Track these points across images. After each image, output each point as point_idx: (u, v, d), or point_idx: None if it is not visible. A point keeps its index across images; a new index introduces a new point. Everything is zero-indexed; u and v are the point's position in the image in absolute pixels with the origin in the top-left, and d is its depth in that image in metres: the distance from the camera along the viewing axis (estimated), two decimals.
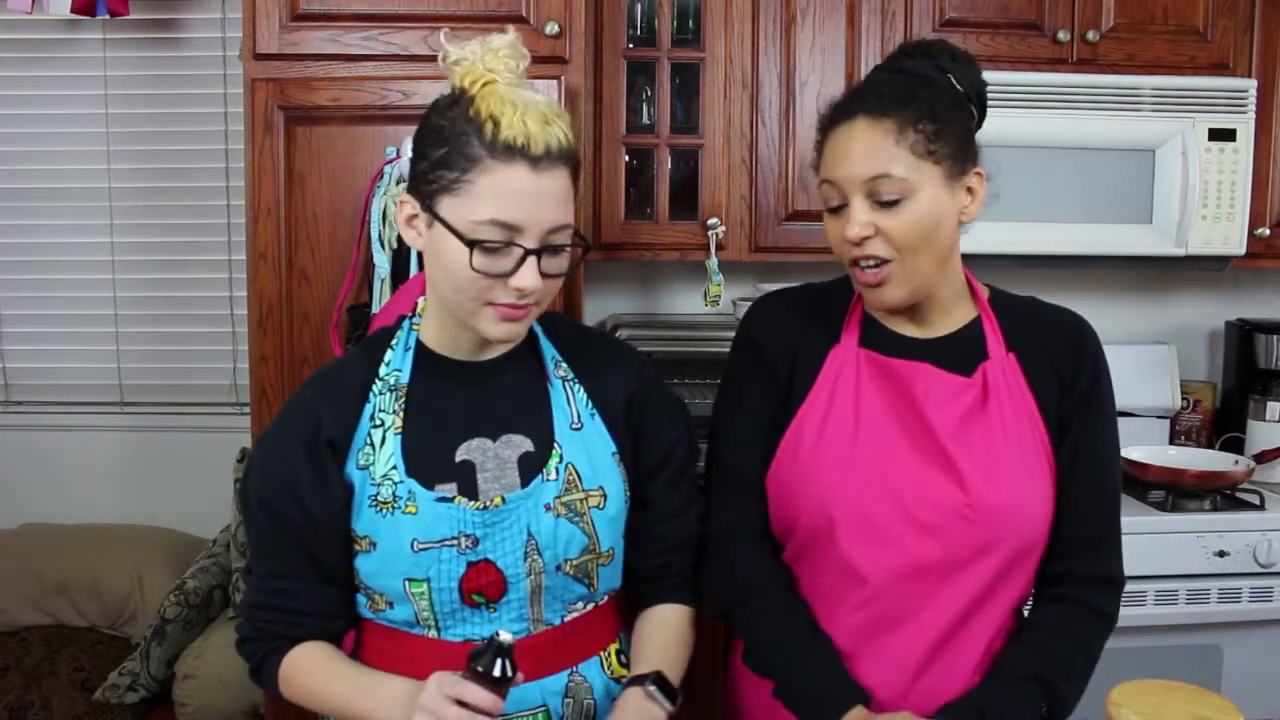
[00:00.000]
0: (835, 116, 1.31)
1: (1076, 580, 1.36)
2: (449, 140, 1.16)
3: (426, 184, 1.18)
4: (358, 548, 1.23)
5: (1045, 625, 1.35)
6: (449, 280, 1.18)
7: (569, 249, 1.21)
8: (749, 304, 1.53)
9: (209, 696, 2.42)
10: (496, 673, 1.08)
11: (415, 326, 1.30)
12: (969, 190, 1.31)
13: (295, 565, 1.24)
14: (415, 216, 1.21)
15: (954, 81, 1.32)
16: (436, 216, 1.17)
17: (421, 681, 1.14)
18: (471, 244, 1.14)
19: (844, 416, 1.35)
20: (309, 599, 1.25)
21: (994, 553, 1.30)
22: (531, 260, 1.16)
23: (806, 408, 1.36)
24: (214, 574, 2.64)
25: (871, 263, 1.28)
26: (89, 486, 2.97)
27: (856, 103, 1.29)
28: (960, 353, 1.36)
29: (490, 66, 1.17)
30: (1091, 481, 1.36)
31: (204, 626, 2.58)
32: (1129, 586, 2.19)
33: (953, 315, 1.38)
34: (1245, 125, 2.41)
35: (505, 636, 1.09)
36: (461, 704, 1.08)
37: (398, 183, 1.94)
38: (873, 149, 1.26)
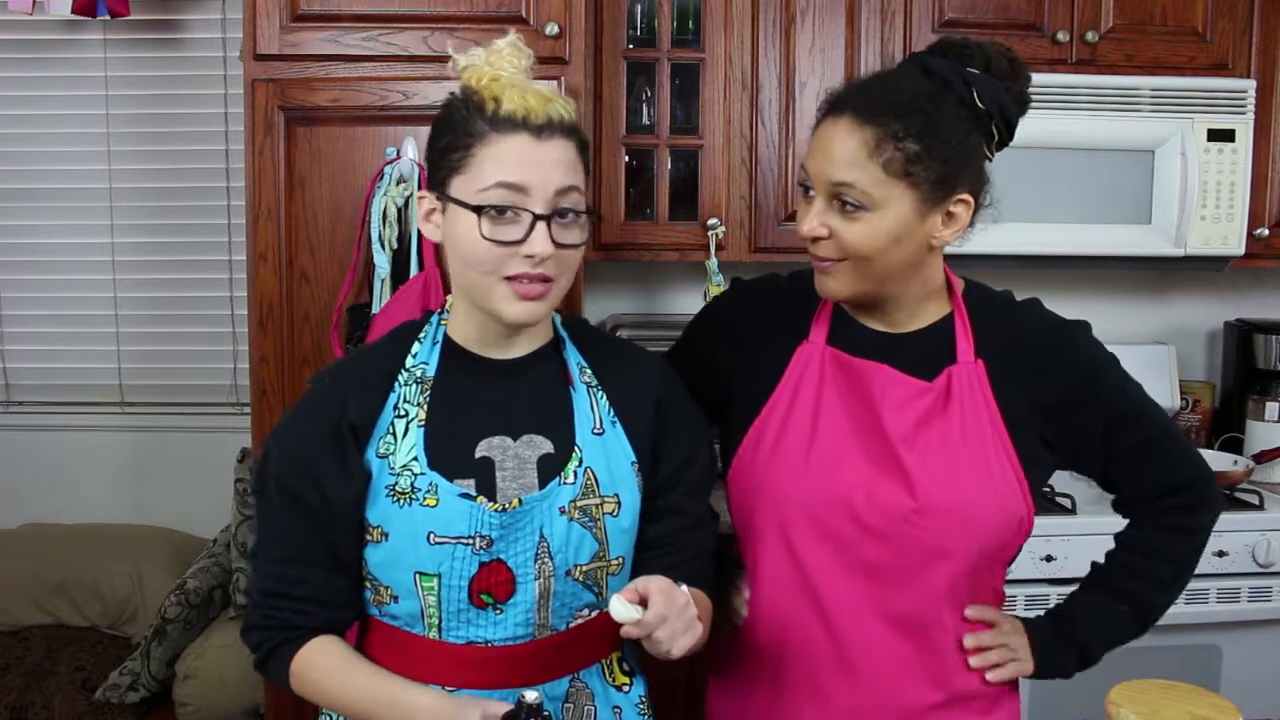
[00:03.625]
0: (829, 107, 1.29)
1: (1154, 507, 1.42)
2: (454, 125, 1.20)
3: (436, 172, 1.22)
4: (369, 537, 1.23)
5: (1124, 543, 1.45)
6: (464, 259, 1.20)
7: (581, 218, 1.21)
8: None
9: (209, 696, 2.42)
10: None
11: (443, 322, 1.31)
12: (949, 214, 1.27)
13: (307, 551, 1.23)
14: (433, 210, 1.23)
15: (976, 96, 1.25)
16: (448, 198, 1.20)
17: (442, 690, 1.17)
18: (479, 209, 1.16)
19: (803, 417, 1.34)
20: (318, 587, 1.24)
21: (950, 558, 1.30)
22: (542, 225, 1.17)
23: (770, 406, 1.36)
24: (214, 574, 2.65)
25: (822, 252, 1.29)
26: (89, 486, 2.98)
27: (850, 99, 1.26)
28: (928, 351, 1.34)
29: (497, 66, 1.20)
30: (1141, 452, 1.37)
31: (204, 626, 2.58)
32: None
33: (920, 314, 1.36)
34: (1244, 126, 2.41)
35: (531, 695, 1.10)
36: None
37: (398, 183, 1.94)
38: (844, 154, 1.23)
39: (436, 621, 1.23)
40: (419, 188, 1.95)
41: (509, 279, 1.18)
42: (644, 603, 1.12)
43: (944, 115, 1.23)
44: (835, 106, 1.27)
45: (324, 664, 1.24)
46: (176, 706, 2.45)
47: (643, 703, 1.34)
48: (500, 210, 1.16)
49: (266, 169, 1.98)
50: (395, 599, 1.24)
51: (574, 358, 1.32)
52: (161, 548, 2.82)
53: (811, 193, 1.28)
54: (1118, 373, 1.37)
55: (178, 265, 2.96)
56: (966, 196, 1.27)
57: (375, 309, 1.93)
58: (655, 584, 1.13)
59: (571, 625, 1.27)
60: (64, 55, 2.91)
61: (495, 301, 1.20)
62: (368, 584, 1.26)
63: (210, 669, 2.44)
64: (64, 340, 3.01)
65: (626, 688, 1.32)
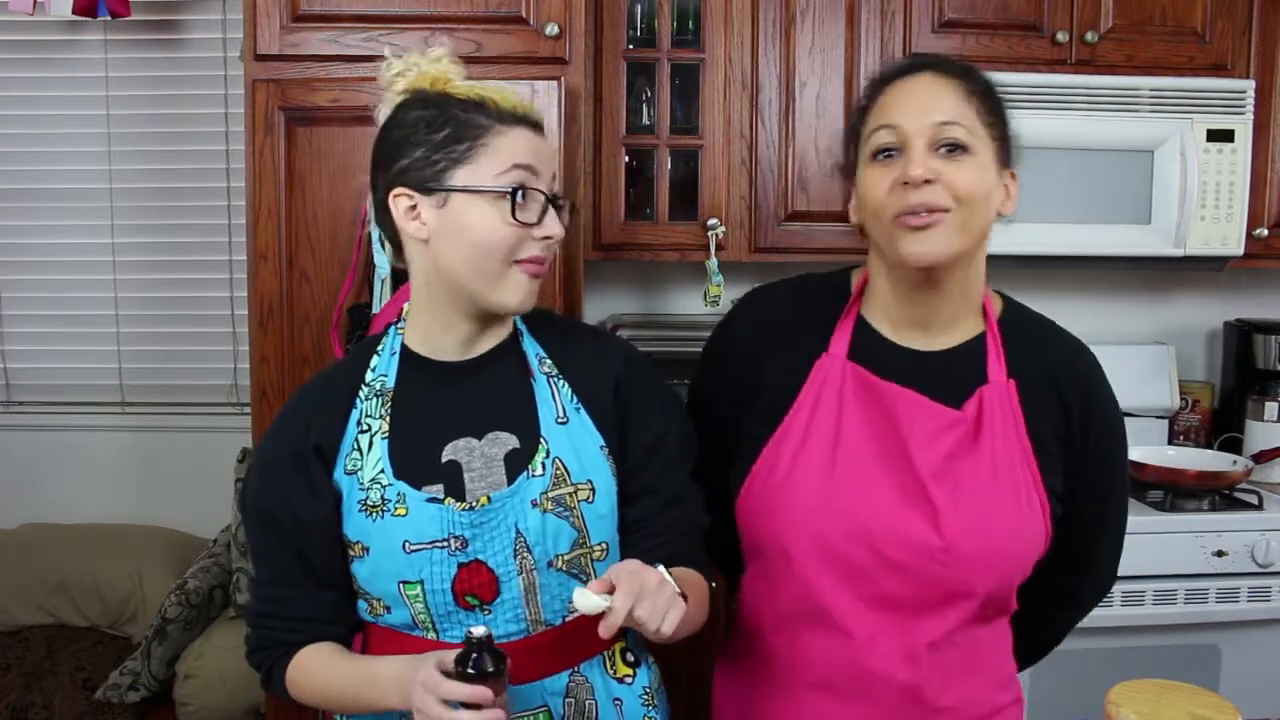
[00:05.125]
0: (897, 73, 1.28)
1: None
2: (448, 123, 1.21)
3: (430, 166, 1.21)
4: (352, 554, 1.25)
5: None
6: (480, 247, 1.20)
7: (568, 207, 1.27)
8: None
9: (210, 696, 2.42)
10: (490, 668, 1.08)
11: (400, 331, 1.31)
12: (1004, 187, 1.28)
13: (291, 573, 1.26)
14: (415, 206, 1.22)
15: None
16: (452, 189, 1.20)
17: (412, 656, 1.16)
18: (511, 192, 1.19)
19: (823, 439, 1.29)
20: (306, 606, 1.27)
21: (972, 596, 1.27)
22: (551, 208, 1.23)
23: (788, 424, 1.31)
24: (214, 574, 2.65)
25: (924, 209, 1.21)
26: (89, 486, 2.98)
27: (923, 62, 1.28)
28: (958, 371, 1.30)
29: (441, 71, 1.25)
30: (1086, 530, 1.36)
31: (205, 626, 2.59)
32: (1128, 586, 2.23)
33: (956, 327, 1.32)
34: (1243, 126, 2.42)
35: (479, 630, 1.09)
36: (461, 704, 1.09)
37: None
38: (945, 97, 1.23)
39: (430, 625, 1.24)
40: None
41: (519, 261, 1.22)
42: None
43: (993, 87, 1.29)
44: (907, 70, 1.27)
45: (312, 666, 1.26)
46: (177, 706, 2.45)
47: (647, 693, 1.33)
48: (524, 193, 1.20)
49: (267, 169, 1.98)
50: (388, 609, 1.25)
51: (532, 348, 1.32)
52: (161, 548, 2.82)
53: (885, 155, 1.24)
54: (1126, 451, 1.40)
55: (178, 265, 2.96)
56: (1015, 171, 1.30)
57: (375, 309, 1.93)
58: (622, 567, 1.12)
59: (567, 619, 1.27)
60: (64, 55, 2.91)
61: (505, 289, 1.22)
62: (362, 597, 1.28)
63: (210, 669, 2.44)
64: (64, 340, 3.01)
65: (629, 679, 1.32)
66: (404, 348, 1.30)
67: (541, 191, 1.22)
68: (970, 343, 1.32)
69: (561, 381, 1.31)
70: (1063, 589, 1.41)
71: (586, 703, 1.27)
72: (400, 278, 1.94)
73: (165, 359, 3.00)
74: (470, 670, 1.08)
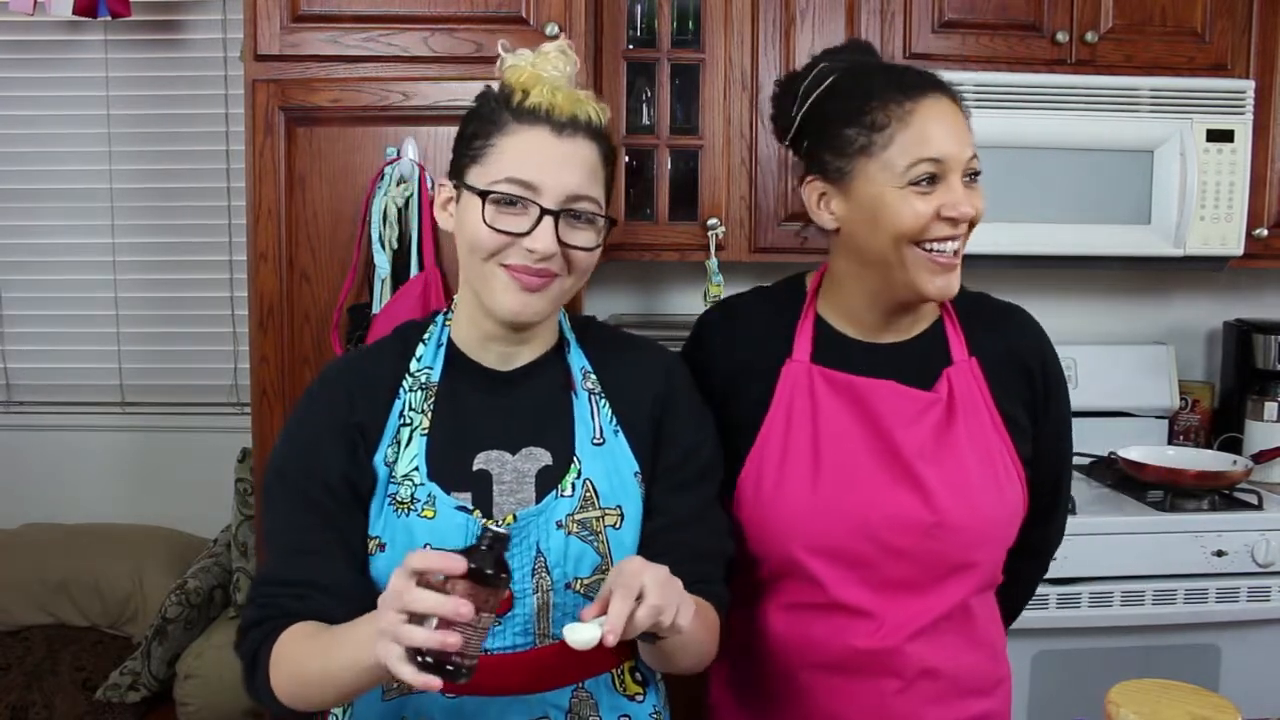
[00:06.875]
0: (918, 91, 1.25)
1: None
2: (480, 115, 1.20)
3: (458, 161, 1.22)
4: (368, 549, 1.21)
5: None
6: (469, 244, 1.19)
7: (597, 222, 1.20)
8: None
9: (210, 696, 2.43)
10: (488, 570, 0.95)
11: (448, 323, 1.29)
12: None
13: (312, 538, 1.18)
14: (450, 199, 1.24)
15: None
16: (464, 186, 1.20)
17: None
18: (484, 194, 1.16)
19: (803, 441, 1.31)
20: (319, 570, 1.17)
21: (973, 567, 1.32)
22: (548, 221, 1.15)
23: (765, 433, 1.33)
24: (215, 574, 2.65)
25: (954, 245, 1.25)
26: (90, 486, 2.98)
27: (936, 83, 1.27)
28: (922, 357, 1.34)
29: (539, 68, 1.20)
30: (1051, 487, 1.43)
31: (205, 626, 2.59)
32: (1128, 586, 2.22)
33: (920, 320, 1.36)
34: (1243, 126, 2.41)
35: (498, 528, 0.98)
36: (430, 586, 0.96)
37: (398, 183, 1.94)
38: (966, 131, 1.26)
39: None
40: (419, 186, 1.95)
41: (506, 266, 1.17)
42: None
43: None
44: (928, 87, 1.26)
45: (290, 640, 1.13)
46: (177, 706, 2.45)
47: (656, 713, 1.30)
48: (510, 201, 1.16)
49: (267, 169, 1.98)
50: None
51: (578, 361, 1.29)
52: (161, 548, 2.82)
53: (924, 184, 1.23)
54: (1070, 407, 1.45)
55: (178, 265, 2.97)
56: None
57: (375, 309, 1.94)
58: (611, 576, 1.05)
59: None
60: (65, 56, 2.91)
61: (496, 292, 1.18)
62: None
63: (211, 669, 2.44)
64: (64, 340, 3.01)
65: (640, 697, 1.28)
66: (450, 342, 1.27)
67: (535, 203, 1.15)
68: (930, 329, 1.37)
69: (603, 400, 1.27)
70: (1029, 548, 1.44)
71: (590, 718, 1.24)
72: (400, 278, 1.95)
73: (165, 359, 3.00)
74: (474, 567, 0.93)
